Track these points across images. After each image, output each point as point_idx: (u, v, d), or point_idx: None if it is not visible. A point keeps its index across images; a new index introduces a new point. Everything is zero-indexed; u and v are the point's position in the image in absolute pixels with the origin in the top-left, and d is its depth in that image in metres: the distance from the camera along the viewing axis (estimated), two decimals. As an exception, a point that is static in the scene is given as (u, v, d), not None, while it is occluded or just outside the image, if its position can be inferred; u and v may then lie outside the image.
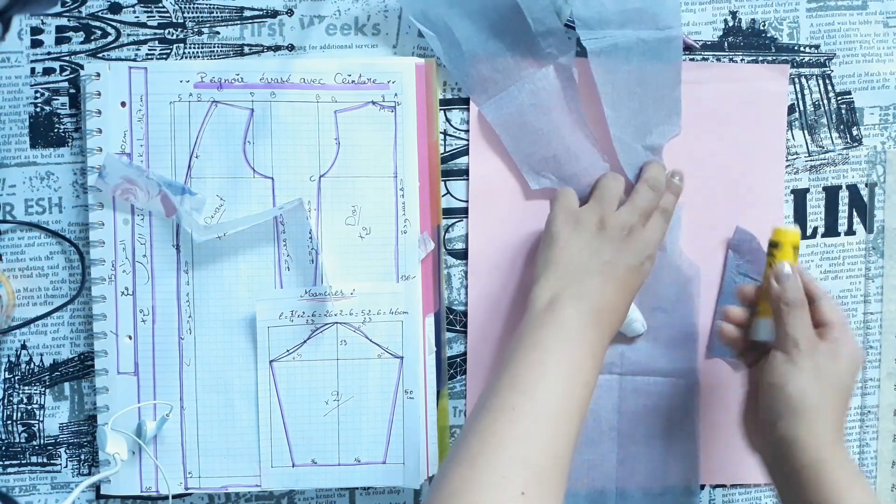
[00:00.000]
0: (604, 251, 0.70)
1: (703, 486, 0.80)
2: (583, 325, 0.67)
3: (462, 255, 0.77)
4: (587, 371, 0.65)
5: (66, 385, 0.76)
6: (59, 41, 0.74)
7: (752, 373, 0.72)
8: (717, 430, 0.79)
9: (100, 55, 0.74)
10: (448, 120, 0.76)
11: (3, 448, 0.76)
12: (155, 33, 0.74)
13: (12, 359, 0.75)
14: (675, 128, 0.77)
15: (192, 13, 0.74)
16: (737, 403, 0.79)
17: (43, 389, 0.76)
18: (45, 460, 0.76)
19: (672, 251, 0.77)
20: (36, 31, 0.74)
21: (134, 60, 0.74)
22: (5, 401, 0.75)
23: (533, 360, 0.65)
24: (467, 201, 0.77)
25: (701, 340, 0.78)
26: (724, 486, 0.80)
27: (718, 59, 0.77)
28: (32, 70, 0.74)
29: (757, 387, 0.71)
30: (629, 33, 0.75)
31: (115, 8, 0.74)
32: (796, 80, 0.78)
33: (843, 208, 0.79)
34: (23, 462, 0.76)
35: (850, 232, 0.79)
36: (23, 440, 0.76)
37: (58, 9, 0.73)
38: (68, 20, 0.74)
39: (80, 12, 0.74)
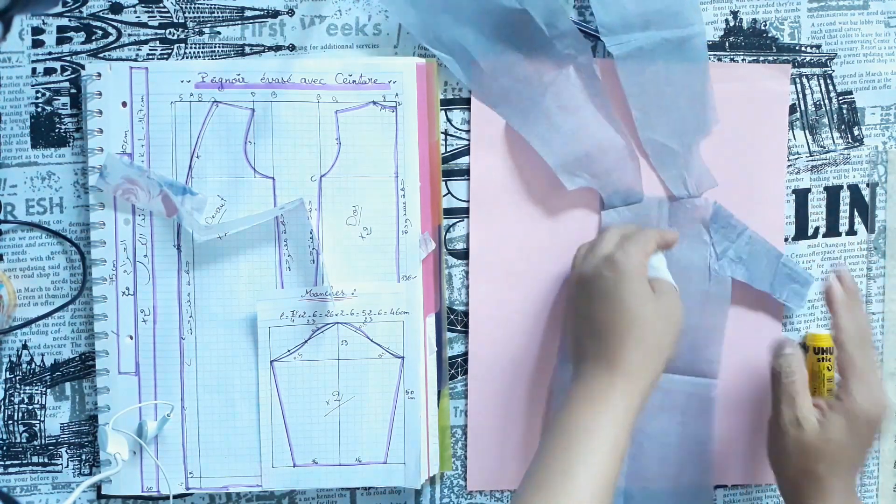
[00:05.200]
0: (581, 307, 0.70)
1: (704, 487, 0.80)
2: (591, 389, 0.65)
3: (463, 255, 0.77)
4: (601, 428, 0.63)
5: (67, 385, 0.76)
6: (60, 41, 0.74)
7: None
8: (720, 430, 0.79)
9: (101, 55, 0.74)
10: (449, 120, 0.76)
11: (5, 448, 0.76)
12: (156, 33, 0.74)
13: (13, 359, 0.75)
14: (709, 123, 0.76)
15: (193, 13, 0.74)
16: (739, 403, 0.79)
17: (44, 389, 0.76)
18: (46, 460, 0.76)
19: (698, 255, 0.77)
20: (37, 31, 0.74)
21: (135, 60, 0.74)
22: (6, 401, 0.76)
23: (549, 439, 0.65)
24: (468, 201, 0.77)
25: (724, 341, 0.78)
26: (725, 486, 0.80)
27: (720, 59, 0.77)
28: (34, 70, 0.74)
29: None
30: (653, 34, 0.75)
31: (116, 8, 0.74)
32: (797, 79, 0.78)
33: (845, 208, 0.79)
34: (24, 462, 0.76)
35: (852, 232, 0.79)
36: (24, 440, 0.76)
37: (59, 9, 0.73)
38: (69, 20, 0.74)
39: (81, 12, 0.74)
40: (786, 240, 0.78)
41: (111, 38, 0.74)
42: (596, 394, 0.65)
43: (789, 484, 0.72)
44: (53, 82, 0.74)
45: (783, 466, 0.72)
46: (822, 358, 0.74)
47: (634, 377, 0.65)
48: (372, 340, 0.75)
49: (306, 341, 0.75)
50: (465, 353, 0.77)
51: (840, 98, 0.79)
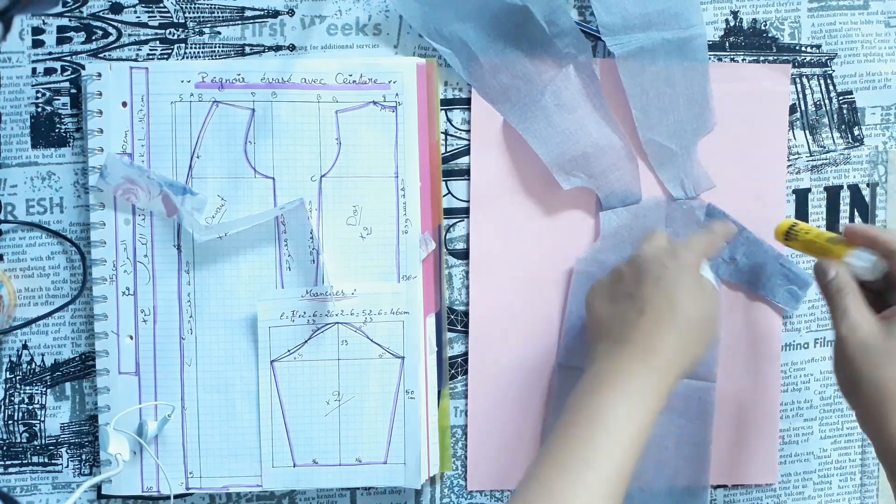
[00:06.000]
0: (626, 286, 0.67)
1: (704, 487, 0.80)
2: (617, 370, 0.63)
3: (463, 255, 0.77)
4: (626, 414, 0.61)
5: (68, 385, 0.76)
6: (60, 41, 0.74)
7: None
8: (719, 431, 0.79)
9: (101, 55, 0.74)
10: (449, 120, 0.76)
11: (5, 448, 0.76)
12: (156, 33, 0.74)
13: (13, 359, 0.75)
14: (708, 124, 0.76)
15: (194, 13, 0.74)
16: (740, 404, 0.79)
17: (44, 389, 0.76)
18: (46, 460, 0.76)
19: None
20: (37, 31, 0.74)
21: (135, 60, 0.74)
22: (7, 401, 0.76)
23: (566, 422, 0.63)
24: (468, 201, 0.77)
25: (722, 342, 0.78)
26: (725, 486, 0.80)
27: (720, 59, 0.77)
28: (34, 70, 0.74)
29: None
30: (654, 35, 0.75)
31: (117, 8, 0.74)
32: (797, 79, 0.78)
33: (845, 208, 0.79)
34: (24, 462, 0.76)
35: (852, 232, 0.79)
36: (24, 440, 0.76)
37: (59, 9, 0.73)
38: (69, 20, 0.74)
39: (81, 12, 0.74)
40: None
41: (111, 38, 0.74)
42: (624, 377, 0.63)
43: (864, 406, 0.63)
44: (53, 82, 0.74)
45: (854, 384, 0.64)
46: (796, 231, 0.72)
47: (668, 367, 0.64)
48: (372, 340, 0.75)
49: (306, 341, 0.75)
50: (465, 353, 0.77)
51: (840, 98, 0.79)
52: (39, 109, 0.74)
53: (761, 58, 0.77)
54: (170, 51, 0.74)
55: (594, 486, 0.59)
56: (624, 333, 0.65)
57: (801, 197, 0.79)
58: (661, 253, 0.68)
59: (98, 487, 0.76)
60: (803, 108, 0.78)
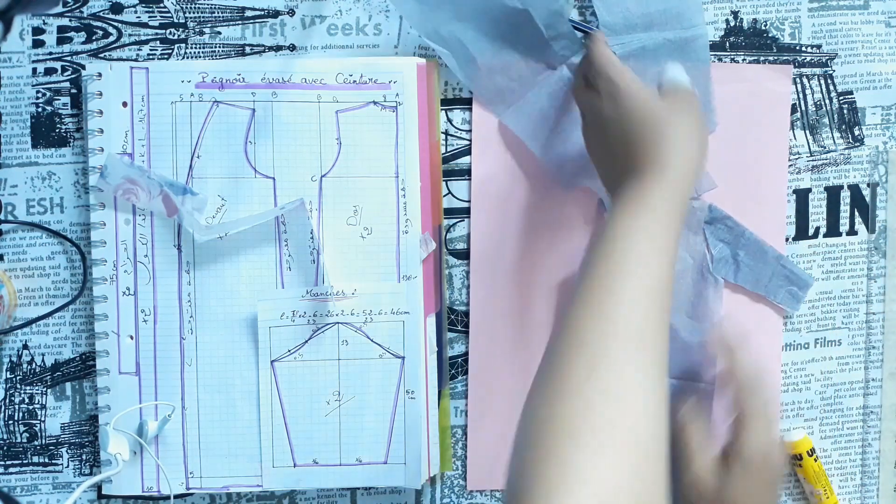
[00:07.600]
0: (613, 132, 0.66)
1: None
2: (634, 194, 0.62)
3: (463, 255, 0.77)
4: (654, 231, 0.60)
5: (68, 385, 0.76)
6: (60, 41, 0.74)
7: None
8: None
9: (101, 55, 0.74)
10: (449, 120, 0.76)
11: (5, 448, 0.76)
12: (156, 33, 0.74)
13: (14, 359, 0.75)
14: (710, 125, 0.76)
15: (194, 13, 0.74)
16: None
17: (44, 389, 0.76)
18: (46, 460, 0.76)
19: (695, 256, 0.77)
20: (37, 31, 0.74)
21: (135, 60, 0.74)
22: (7, 401, 0.76)
23: (600, 251, 0.60)
24: (469, 201, 0.77)
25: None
26: (725, 486, 0.80)
27: (720, 59, 0.77)
28: (34, 70, 0.74)
29: None
30: (655, 35, 0.75)
31: (117, 8, 0.74)
32: (798, 79, 0.78)
33: (845, 208, 0.79)
34: (24, 462, 0.76)
35: (852, 232, 0.79)
36: (24, 440, 0.76)
37: (59, 9, 0.73)
38: (70, 20, 0.74)
39: (81, 12, 0.74)
40: (786, 240, 0.78)
41: (112, 38, 0.74)
42: (630, 206, 0.61)
43: None
44: (54, 82, 0.74)
45: None
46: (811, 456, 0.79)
47: (666, 175, 0.62)
48: (372, 340, 0.75)
49: (307, 341, 0.75)
50: (466, 353, 0.77)
51: (840, 98, 0.79)
52: (40, 109, 0.74)
53: (761, 58, 0.77)
54: (170, 51, 0.74)
55: (638, 294, 0.57)
56: (620, 173, 0.64)
57: (802, 197, 0.79)
58: (599, 92, 0.67)
59: (98, 487, 0.76)
60: (804, 108, 0.78)
